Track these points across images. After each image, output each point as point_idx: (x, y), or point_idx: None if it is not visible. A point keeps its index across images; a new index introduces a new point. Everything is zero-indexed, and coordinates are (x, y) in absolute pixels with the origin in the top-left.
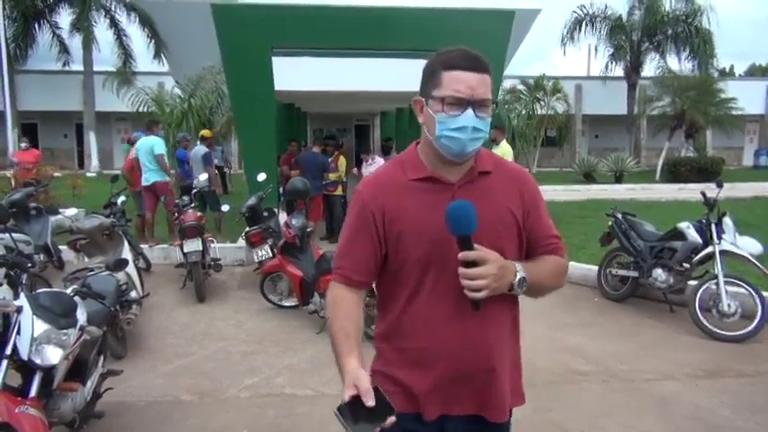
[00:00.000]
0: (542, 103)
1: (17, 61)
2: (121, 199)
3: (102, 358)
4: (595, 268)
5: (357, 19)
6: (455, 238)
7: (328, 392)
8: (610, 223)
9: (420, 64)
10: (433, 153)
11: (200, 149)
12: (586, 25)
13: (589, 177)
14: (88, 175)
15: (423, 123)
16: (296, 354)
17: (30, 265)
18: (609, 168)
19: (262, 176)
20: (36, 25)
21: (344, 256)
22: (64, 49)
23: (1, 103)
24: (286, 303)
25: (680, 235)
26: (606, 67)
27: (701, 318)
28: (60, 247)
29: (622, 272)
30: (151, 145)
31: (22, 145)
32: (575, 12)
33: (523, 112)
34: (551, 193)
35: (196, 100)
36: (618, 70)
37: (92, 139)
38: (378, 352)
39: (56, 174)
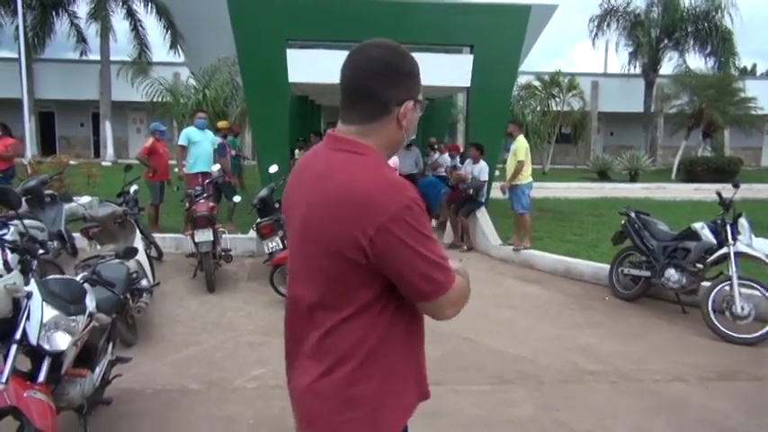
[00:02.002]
0: (557, 99)
1: (35, 50)
2: (134, 188)
3: (111, 345)
4: (607, 267)
5: (371, 12)
6: None
7: None
8: (623, 222)
9: (434, 59)
10: (391, 151)
11: (215, 140)
12: (608, 20)
13: (603, 175)
14: (103, 164)
15: (401, 127)
16: None
17: (43, 251)
18: (624, 167)
19: (274, 168)
20: (54, 14)
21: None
22: (81, 39)
23: (18, 91)
24: None
25: (694, 235)
26: (628, 63)
27: (714, 319)
28: (74, 234)
29: (634, 271)
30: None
31: None
32: (602, 4)
33: (538, 108)
34: (564, 190)
35: (210, 91)
36: (636, 68)
37: (107, 129)
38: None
39: (72, 162)
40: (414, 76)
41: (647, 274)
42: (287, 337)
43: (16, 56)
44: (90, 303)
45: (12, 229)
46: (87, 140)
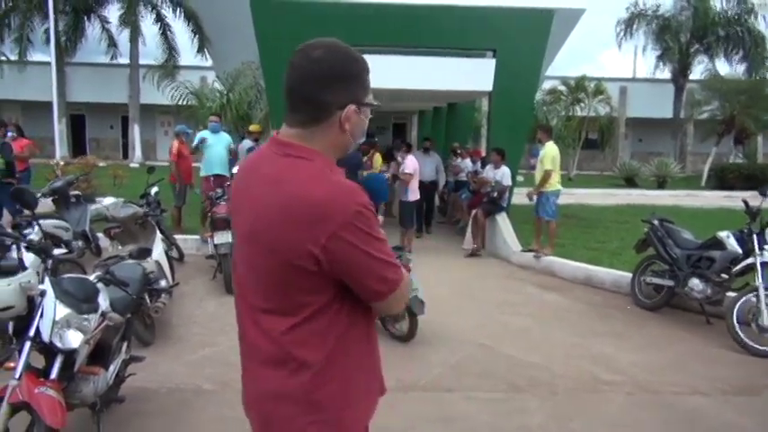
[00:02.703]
0: (583, 104)
1: (67, 53)
2: (154, 189)
3: (125, 344)
4: (629, 275)
5: (394, 16)
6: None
7: None
8: (646, 230)
9: (456, 63)
10: (337, 156)
11: (246, 143)
12: (636, 24)
13: (630, 182)
14: (131, 165)
15: (345, 131)
16: None
17: (67, 251)
18: (652, 173)
19: None
20: (86, 19)
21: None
22: (112, 43)
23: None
24: None
25: (719, 244)
26: (655, 69)
27: (739, 331)
28: (98, 234)
29: (657, 280)
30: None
31: (9, 134)
32: (629, 8)
33: (562, 112)
34: (590, 196)
35: (234, 95)
36: (665, 72)
37: (136, 131)
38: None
39: (99, 164)
40: (357, 79)
41: (671, 283)
42: (241, 343)
43: (49, 59)
44: (103, 302)
45: (36, 228)
46: (116, 142)
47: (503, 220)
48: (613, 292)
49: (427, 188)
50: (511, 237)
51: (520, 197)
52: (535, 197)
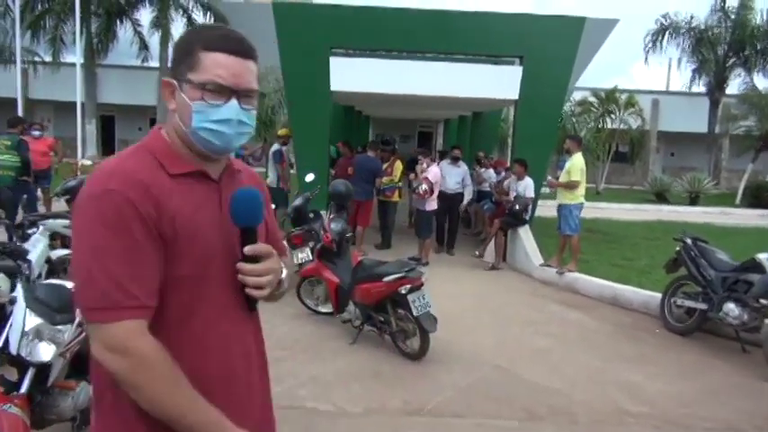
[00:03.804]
0: (613, 116)
1: (98, 56)
2: None
3: None
4: (659, 296)
5: (418, 22)
6: (238, 230)
7: (351, 410)
8: (677, 248)
9: (481, 70)
10: (188, 145)
11: (274, 147)
12: (669, 36)
13: (661, 197)
14: None
15: (174, 111)
16: (324, 364)
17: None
18: (684, 189)
19: (310, 177)
20: (118, 22)
21: (131, 279)
22: (144, 46)
23: (82, 95)
24: (322, 309)
25: (758, 267)
26: (690, 82)
27: None
28: None
29: (689, 303)
30: None
31: (35, 133)
32: (659, 20)
33: (591, 124)
34: (618, 211)
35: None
36: (699, 86)
37: None
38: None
39: None
40: (183, 53)
41: (704, 306)
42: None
43: (82, 61)
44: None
45: (41, 228)
46: None
47: (525, 233)
48: (642, 313)
49: (451, 200)
50: (533, 251)
51: (545, 209)
52: (557, 211)
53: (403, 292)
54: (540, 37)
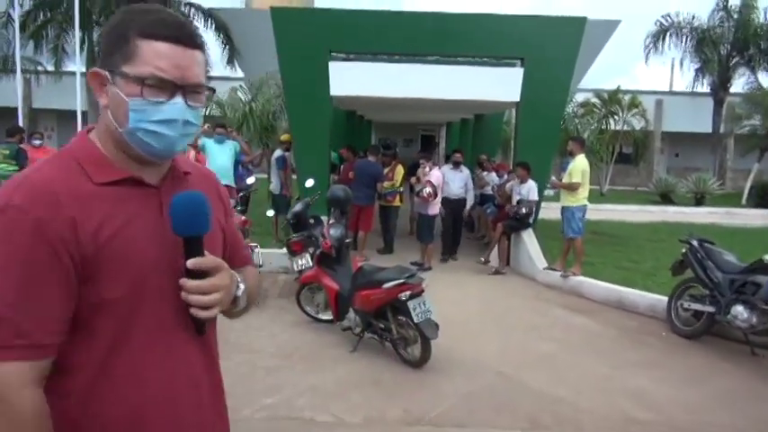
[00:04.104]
0: (616, 117)
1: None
2: None
3: None
4: (665, 299)
5: (418, 25)
6: (181, 241)
7: (349, 421)
8: (683, 250)
9: (481, 72)
10: (122, 148)
11: (276, 153)
12: (671, 36)
13: (666, 198)
14: None
15: (106, 107)
16: (323, 373)
17: None
18: (689, 189)
19: (310, 182)
20: None
21: (25, 312)
22: None
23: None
24: (323, 317)
25: (766, 268)
26: (693, 81)
27: None
28: None
29: (696, 306)
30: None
31: (36, 142)
32: (659, 21)
33: (594, 125)
34: (622, 213)
35: (257, 104)
36: (703, 86)
37: None
38: None
39: None
40: (116, 40)
41: (711, 309)
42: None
43: (83, 69)
44: None
45: None
46: None
47: (528, 236)
48: (648, 316)
49: (454, 206)
50: (537, 254)
51: (549, 212)
52: (561, 214)
53: (403, 298)
54: (541, 38)
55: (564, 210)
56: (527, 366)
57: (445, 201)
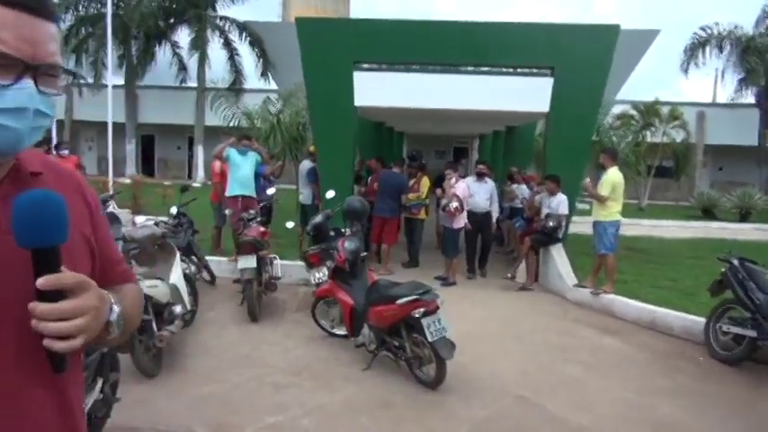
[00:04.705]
0: (654, 128)
1: (138, 77)
2: (173, 209)
3: (99, 382)
4: (702, 320)
5: (445, 34)
6: (29, 254)
7: None
8: (723, 270)
9: (510, 82)
10: None
11: (305, 164)
12: (712, 48)
13: (709, 213)
14: (194, 185)
15: None
16: (333, 392)
17: None
18: (733, 204)
19: (331, 194)
20: (157, 44)
21: None
22: (182, 67)
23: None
24: (338, 332)
25: None
26: (735, 92)
27: None
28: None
29: (736, 329)
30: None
31: (64, 152)
32: (696, 33)
33: (630, 137)
34: (661, 228)
35: (284, 116)
36: (748, 97)
37: (200, 152)
38: None
39: (165, 182)
40: None
41: (753, 333)
42: None
43: (122, 82)
44: None
45: None
46: (183, 163)
47: (558, 251)
48: (684, 339)
49: (480, 219)
50: (566, 270)
51: (581, 226)
52: (593, 228)
53: (417, 315)
54: (572, 47)
55: (596, 225)
56: (549, 390)
57: (470, 214)
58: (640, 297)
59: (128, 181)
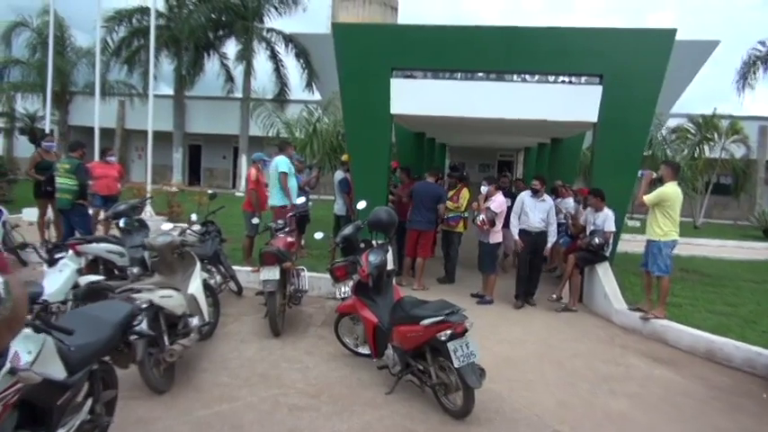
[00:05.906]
0: (711, 143)
1: (187, 87)
2: (193, 217)
3: (89, 402)
4: (767, 353)
5: (487, 40)
6: None
7: None
8: None
9: (555, 90)
10: None
11: (338, 174)
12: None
13: None
14: (237, 194)
15: None
16: (351, 417)
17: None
18: None
19: (362, 204)
20: (206, 55)
21: None
22: (230, 78)
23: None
24: (362, 350)
25: None
26: None
27: None
28: None
29: None
30: (276, 164)
31: (111, 159)
32: (754, 49)
33: (685, 151)
34: (718, 249)
35: (321, 125)
36: None
37: (243, 161)
38: None
39: (209, 191)
40: None
41: None
42: None
43: (171, 93)
44: (24, 356)
45: (70, 252)
46: (227, 172)
47: (604, 270)
48: (745, 372)
49: (534, 239)
50: (613, 291)
51: (632, 244)
52: (645, 247)
53: (443, 338)
54: (623, 53)
55: (649, 244)
56: (590, 426)
57: (523, 233)
58: (696, 323)
59: (174, 189)
